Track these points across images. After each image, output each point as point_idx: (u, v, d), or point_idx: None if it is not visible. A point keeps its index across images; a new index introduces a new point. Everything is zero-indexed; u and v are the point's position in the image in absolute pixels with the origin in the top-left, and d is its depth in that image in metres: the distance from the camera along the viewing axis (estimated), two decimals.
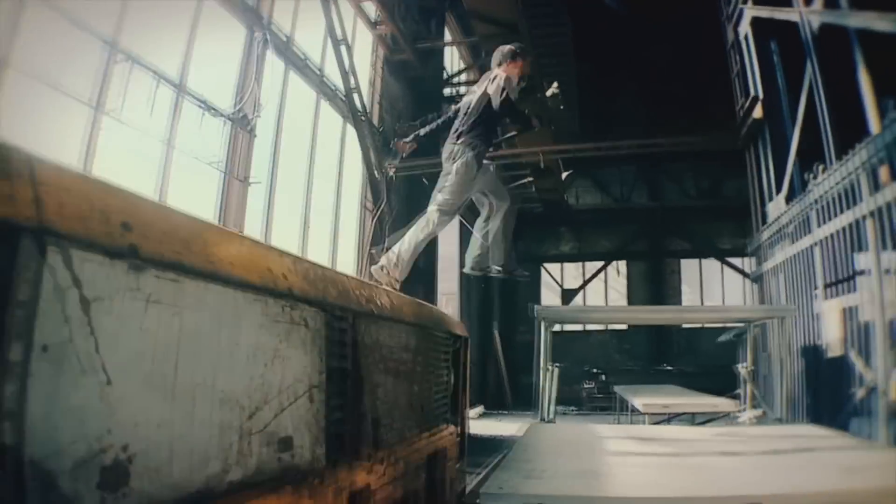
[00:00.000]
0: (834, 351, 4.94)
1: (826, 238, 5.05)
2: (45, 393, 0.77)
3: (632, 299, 18.57)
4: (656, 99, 17.56)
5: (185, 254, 1.05)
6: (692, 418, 8.22)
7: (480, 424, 10.45)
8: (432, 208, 3.80)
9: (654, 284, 18.46)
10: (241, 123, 6.98)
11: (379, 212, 9.28)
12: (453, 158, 3.83)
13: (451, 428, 4.73)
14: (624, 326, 18.86)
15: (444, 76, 13.29)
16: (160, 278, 0.97)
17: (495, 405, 17.17)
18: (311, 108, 8.98)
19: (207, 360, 1.13)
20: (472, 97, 3.99)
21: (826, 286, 5.11)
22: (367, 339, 2.65)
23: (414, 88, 11.89)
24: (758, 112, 7.07)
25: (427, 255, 11.45)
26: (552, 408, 4.89)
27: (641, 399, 6.79)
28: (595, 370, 15.35)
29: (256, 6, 7.17)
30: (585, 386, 14.87)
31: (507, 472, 2.65)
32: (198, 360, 1.09)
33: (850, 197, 4.58)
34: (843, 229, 4.69)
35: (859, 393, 4.49)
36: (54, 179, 0.81)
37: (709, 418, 8.03)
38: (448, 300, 14.91)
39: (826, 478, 2.35)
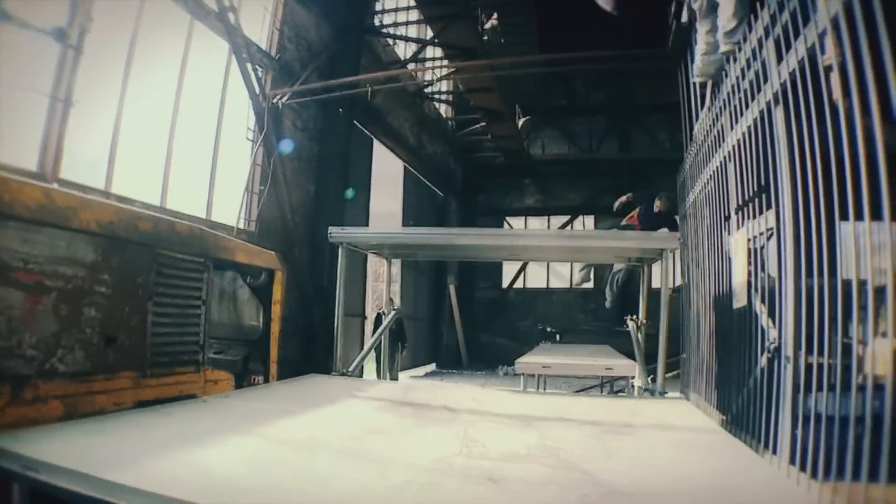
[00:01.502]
0: (739, 300, 3.70)
1: (735, 145, 3.74)
2: None
3: None
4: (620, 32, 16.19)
5: None
6: (603, 385, 7.11)
7: (408, 383, 9.56)
8: None
9: None
10: (59, 39, 6.04)
11: (261, 143, 8.03)
12: None
13: (220, 374, 3.71)
14: (590, 285, 17.75)
15: (375, 4, 11.79)
16: None
17: (450, 364, 16.20)
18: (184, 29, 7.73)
19: None
20: None
21: (737, 210, 3.83)
22: None
23: (331, 18, 10.45)
24: (685, 16, 5.70)
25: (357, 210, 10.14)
26: (360, 361, 3.75)
27: (528, 357, 5.70)
28: (549, 329, 14.25)
29: None
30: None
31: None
32: None
33: (759, 81, 3.26)
34: (750, 128, 3.39)
35: (762, 359, 3.26)
36: None
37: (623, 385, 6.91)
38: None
39: None
